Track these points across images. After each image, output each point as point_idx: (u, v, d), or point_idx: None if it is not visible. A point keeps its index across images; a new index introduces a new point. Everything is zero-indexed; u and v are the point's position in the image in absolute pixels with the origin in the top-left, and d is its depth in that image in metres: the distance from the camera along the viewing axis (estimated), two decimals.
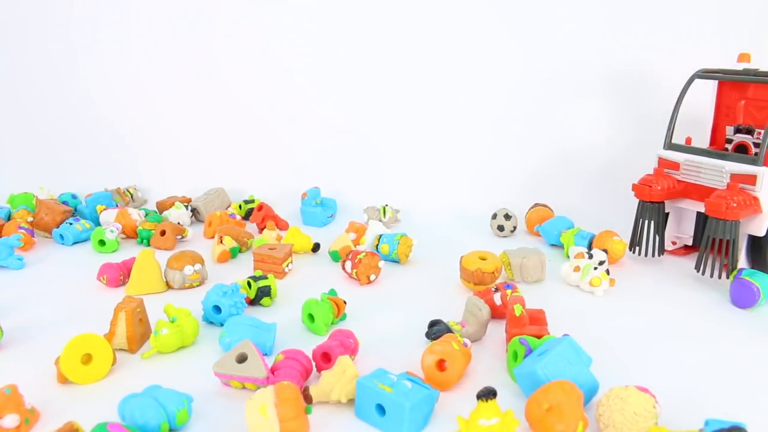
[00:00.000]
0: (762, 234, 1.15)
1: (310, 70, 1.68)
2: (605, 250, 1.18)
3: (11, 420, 0.73)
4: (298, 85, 1.69)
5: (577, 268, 1.16)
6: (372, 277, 1.17)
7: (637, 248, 1.29)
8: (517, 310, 0.92)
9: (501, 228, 1.46)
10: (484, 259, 1.15)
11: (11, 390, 0.74)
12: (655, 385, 0.82)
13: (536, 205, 1.51)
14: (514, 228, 1.47)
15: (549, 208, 1.50)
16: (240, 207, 1.56)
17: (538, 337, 0.89)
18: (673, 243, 1.35)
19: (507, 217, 1.46)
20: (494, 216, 1.47)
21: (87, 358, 0.85)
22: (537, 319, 0.96)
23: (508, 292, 1.04)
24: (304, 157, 1.71)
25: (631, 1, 1.52)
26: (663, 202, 1.25)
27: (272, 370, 0.83)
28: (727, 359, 0.93)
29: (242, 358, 0.83)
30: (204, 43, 1.69)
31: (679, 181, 1.25)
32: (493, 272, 1.14)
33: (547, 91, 1.61)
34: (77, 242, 1.40)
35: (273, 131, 1.72)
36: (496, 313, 1.02)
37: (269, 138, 1.72)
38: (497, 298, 1.03)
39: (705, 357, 0.94)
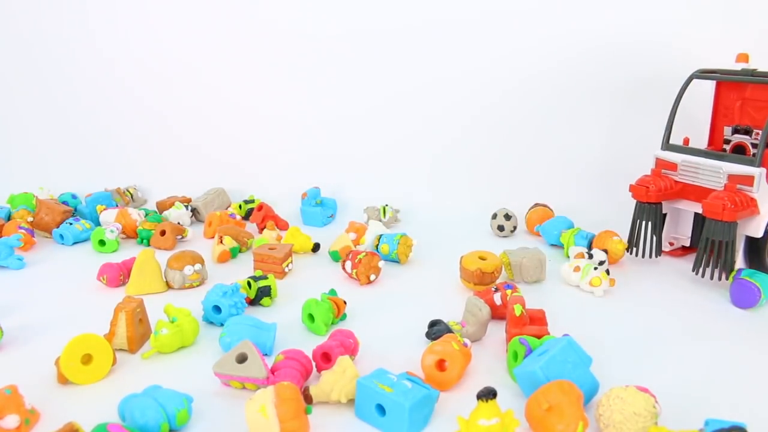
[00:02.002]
0: (759, 235, 1.14)
1: (311, 70, 1.68)
2: (605, 250, 1.18)
3: (11, 420, 0.72)
4: (298, 85, 1.69)
5: (577, 268, 1.16)
6: (372, 277, 1.17)
7: (635, 249, 1.28)
8: (517, 310, 0.92)
9: (501, 228, 1.46)
10: (484, 259, 1.15)
11: (11, 390, 0.74)
12: (655, 385, 0.82)
13: (536, 205, 1.51)
14: (514, 228, 1.47)
15: (549, 208, 1.50)
16: (240, 207, 1.56)
17: (538, 337, 0.89)
18: (671, 244, 1.35)
19: (507, 217, 1.46)
20: (494, 216, 1.47)
21: (87, 359, 0.85)
22: (537, 319, 0.96)
23: (508, 292, 1.04)
24: (304, 157, 1.71)
25: (629, 0, 1.52)
26: (660, 203, 1.25)
27: (272, 370, 0.83)
28: (727, 359, 0.93)
29: (242, 358, 0.83)
30: (203, 43, 1.69)
31: (676, 181, 1.24)
32: (493, 272, 1.14)
33: (547, 91, 1.61)
34: (77, 242, 1.40)
35: (273, 131, 1.72)
36: (496, 313, 1.02)
37: (269, 138, 1.72)
38: (497, 298, 1.03)
39: (705, 357, 0.94)
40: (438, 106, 1.66)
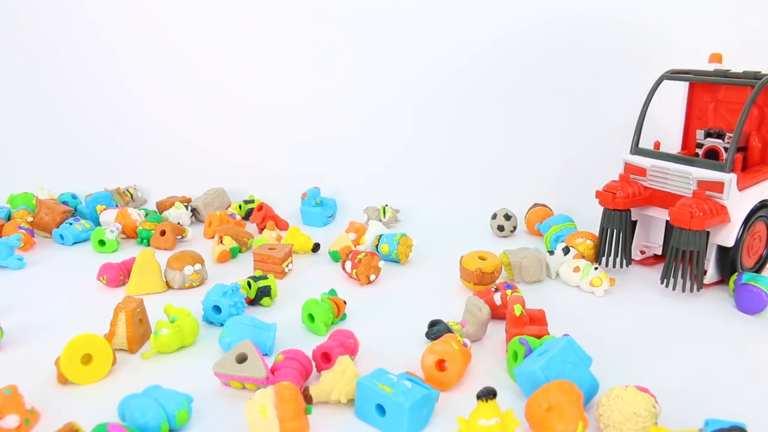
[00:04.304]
0: (731, 245, 1.09)
1: (310, 71, 1.68)
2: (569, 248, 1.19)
3: (11, 421, 0.72)
4: (298, 85, 1.69)
5: (576, 269, 1.16)
6: (372, 277, 1.17)
7: (604, 259, 1.21)
8: (517, 310, 0.92)
9: (501, 228, 1.46)
10: (484, 259, 1.15)
11: (11, 390, 0.74)
12: (655, 385, 0.82)
13: (536, 205, 1.51)
14: (514, 228, 1.47)
15: (549, 208, 1.50)
16: (240, 207, 1.56)
17: (538, 337, 0.89)
18: (642, 252, 1.29)
19: (507, 217, 1.46)
20: (494, 216, 1.47)
21: (87, 359, 0.85)
22: (537, 319, 0.96)
23: (508, 292, 1.04)
24: (304, 157, 1.71)
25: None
26: (629, 210, 1.18)
27: (272, 370, 0.83)
28: (727, 359, 0.93)
29: (242, 358, 0.83)
30: (203, 42, 1.69)
31: (645, 187, 1.18)
32: (493, 272, 1.14)
33: (548, 91, 1.61)
34: (77, 242, 1.40)
35: (273, 131, 1.72)
36: (496, 313, 1.02)
37: (269, 138, 1.72)
38: (497, 298, 1.03)
39: (705, 357, 0.94)
40: (438, 107, 1.66)
